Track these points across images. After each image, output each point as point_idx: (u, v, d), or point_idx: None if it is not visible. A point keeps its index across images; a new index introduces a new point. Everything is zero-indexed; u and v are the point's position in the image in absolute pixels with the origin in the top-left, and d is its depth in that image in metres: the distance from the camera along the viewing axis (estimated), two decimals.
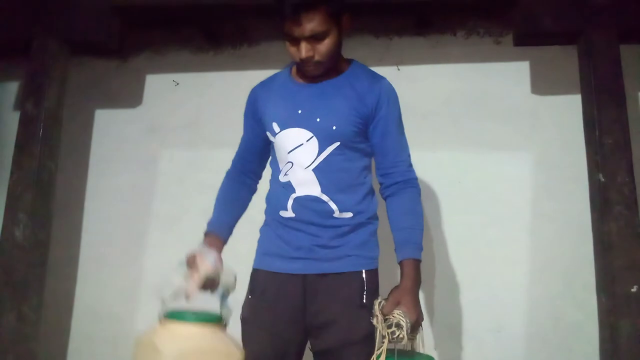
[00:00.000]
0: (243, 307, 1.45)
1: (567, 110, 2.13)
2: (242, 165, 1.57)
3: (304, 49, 1.32)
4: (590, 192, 1.90)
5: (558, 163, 2.17)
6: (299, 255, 1.40)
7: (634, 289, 1.74)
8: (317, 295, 1.37)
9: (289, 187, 1.41)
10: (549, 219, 2.14)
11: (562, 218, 2.12)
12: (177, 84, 2.57)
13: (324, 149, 1.38)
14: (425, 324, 2.09)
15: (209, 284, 1.37)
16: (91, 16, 2.26)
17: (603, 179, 1.83)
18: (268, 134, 1.46)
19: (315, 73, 1.39)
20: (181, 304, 1.36)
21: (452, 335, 2.13)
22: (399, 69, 2.30)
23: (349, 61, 1.48)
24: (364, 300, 1.34)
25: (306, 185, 1.39)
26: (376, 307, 1.27)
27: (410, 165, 1.43)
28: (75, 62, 2.39)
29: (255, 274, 1.47)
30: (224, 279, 1.40)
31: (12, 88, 2.69)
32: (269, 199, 1.51)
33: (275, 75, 1.54)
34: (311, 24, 1.30)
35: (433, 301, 2.16)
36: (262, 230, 1.51)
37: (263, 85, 1.54)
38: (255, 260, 1.49)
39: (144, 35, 2.58)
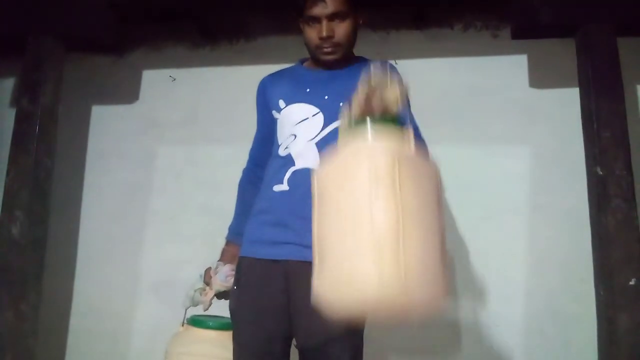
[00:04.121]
0: (230, 299, 1.45)
1: (565, 103, 2.12)
2: (258, 159, 1.57)
3: (325, 28, 1.37)
4: (589, 185, 1.90)
5: (556, 156, 2.17)
6: (284, 240, 1.37)
7: (631, 282, 1.74)
8: (299, 286, 1.33)
9: (288, 160, 1.41)
10: (547, 213, 2.14)
11: (560, 211, 2.12)
12: (174, 79, 2.56)
13: (329, 124, 1.39)
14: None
15: (224, 295, 1.52)
16: (87, 11, 2.25)
17: (601, 172, 1.83)
18: (273, 112, 1.47)
19: (332, 57, 1.42)
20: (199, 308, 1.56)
21: (450, 328, 2.13)
22: (396, 63, 2.28)
23: (358, 57, 1.53)
24: None
25: (306, 157, 1.39)
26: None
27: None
28: (71, 58, 2.37)
29: (240, 262, 1.46)
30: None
31: (8, 84, 2.68)
32: (265, 177, 1.49)
33: (284, 69, 1.58)
34: (334, 3, 1.36)
35: None
36: (250, 218, 1.50)
37: (271, 75, 1.58)
38: (241, 249, 1.48)
39: (140, 31, 2.56)
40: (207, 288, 1.53)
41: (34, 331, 2.07)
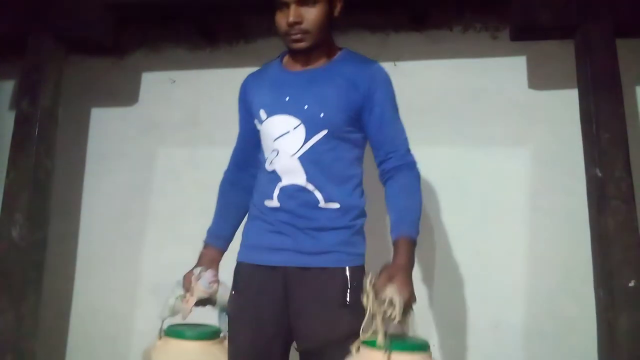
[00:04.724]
0: (228, 303, 1.44)
1: (564, 105, 2.12)
2: (240, 161, 1.56)
3: (293, 13, 1.31)
4: (588, 186, 1.90)
5: (555, 158, 2.17)
6: (282, 246, 1.37)
7: (631, 284, 1.73)
8: (298, 292, 1.35)
9: (275, 176, 1.39)
10: (547, 214, 2.14)
11: (560, 213, 2.12)
12: (174, 81, 2.56)
13: (311, 136, 1.35)
14: (423, 318, 2.12)
15: (205, 302, 1.45)
16: (86, 14, 2.25)
17: (600, 174, 1.82)
18: (255, 121, 1.45)
19: (300, 45, 1.36)
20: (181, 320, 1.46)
21: (450, 330, 2.13)
22: (395, 65, 2.29)
23: (340, 49, 1.47)
24: (347, 299, 1.31)
25: (292, 173, 1.37)
26: (367, 284, 1.20)
27: (409, 149, 1.40)
28: (71, 60, 2.38)
29: (239, 267, 1.45)
30: (221, 296, 1.45)
31: (8, 87, 2.68)
32: (256, 188, 1.49)
33: (265, 65, 1.54)
34: None
35: (431, 296, 2.17)
36: (246, 222, 1.50)
37: (253, 75, 1.54)
38: (239, 254, 1.47)
39: (139, 33, 2.57)
40: (188, 295, 1.44)
41: (34, 333, 2.07)
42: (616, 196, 1.79)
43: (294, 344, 1.39)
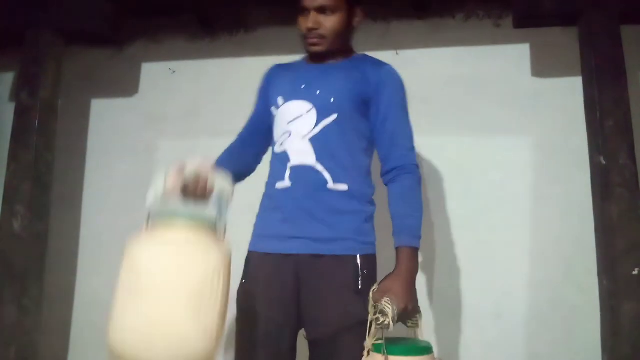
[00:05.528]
0: (238, 292, 1.44)
1: (568, 92, 2.11)
2: (245, 138, 1.59)
3: (311, 19, 1.42)
4: (592, 174, 1.89)
5: (559, 146, 2.15)
6: (294, 234, 1.39)
7: (635, 272, 1.73)
8: (310, 280, 1.37)
9: (285, 157, 1.43)
10: (550, 202, 2.13)
11: (563, 201, 2.12)
12: (174, 71, 2.55)
13: (322, 120, 1.41)
14: (426, 309, 2.11)
15: (199, 188, 1.26)
16: (85, 4, 2.24)
17: (604, 162, 1.82)
18: (272, 107, 1.50)
19: (317, 49, 1.45)
20: (168, 207, 1.24)
21: (453, 320, 2.13)
22: (397, 53, 2.28)
23: (361, 55, 1.55)
24: (359, 286, 1.34)
25: (302, 154, 1.41)
26: (371, 293, 1.28)
27: (411, 149, 1.44)
28: (70, 51, 2.36)
29: (249, 256, 1.47)
30: (218, 184, 1.26)
31: (7, 78, 2.67)
32: (269, 174, 1.52)
33: (293, 62, 1.62)
34: None
35: (434, 286, 2.16)
36: (258, 215, 1.52)
37: (280, 66, 1.62)
38: (250, 244, 1.49)
39: (139, 23, 2.55)
40: (177, 171, 1.22)
41: (37, 325, 2.07)
42: (620, 184, 1.79)
43: (303, 333, 1.40)
